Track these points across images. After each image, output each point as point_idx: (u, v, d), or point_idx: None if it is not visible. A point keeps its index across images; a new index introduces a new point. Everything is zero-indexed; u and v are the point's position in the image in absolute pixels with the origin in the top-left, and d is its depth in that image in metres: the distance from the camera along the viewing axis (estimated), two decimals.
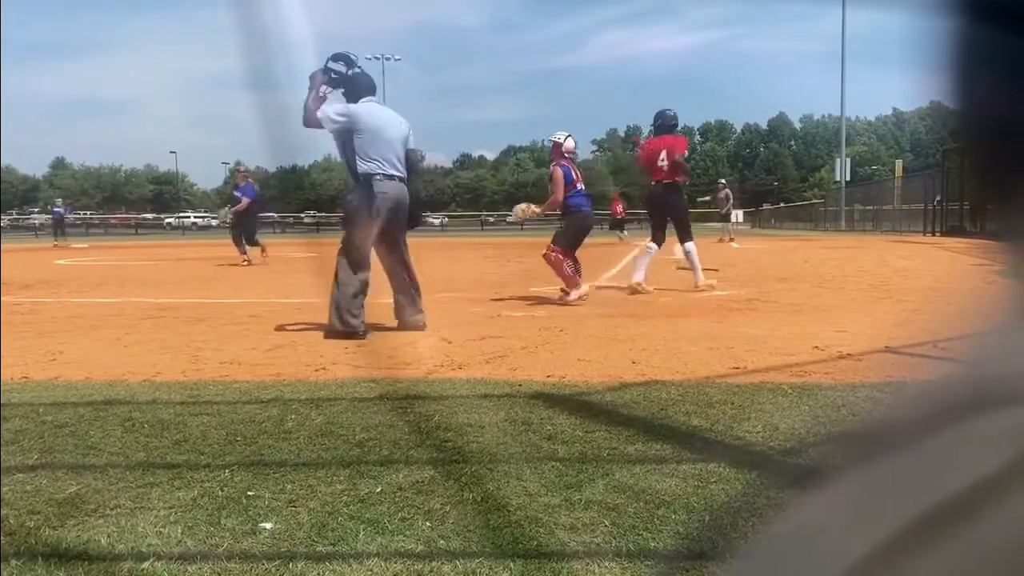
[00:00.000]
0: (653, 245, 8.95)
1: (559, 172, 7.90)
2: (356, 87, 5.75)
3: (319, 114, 5.55)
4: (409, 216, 5.80)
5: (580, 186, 8.05)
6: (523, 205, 8.93)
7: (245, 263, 14.12)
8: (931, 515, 0.48)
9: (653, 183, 8.90)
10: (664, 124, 9.14)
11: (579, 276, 7.82)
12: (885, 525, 0.50)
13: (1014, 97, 0.52)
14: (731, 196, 26.90)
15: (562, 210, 8.09)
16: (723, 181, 28.55)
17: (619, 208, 26.85)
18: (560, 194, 7.88)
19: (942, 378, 0.48)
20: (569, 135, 8.22)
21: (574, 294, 7.46)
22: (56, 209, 31.59)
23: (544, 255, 7.98)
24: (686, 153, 9.07)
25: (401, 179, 5.65)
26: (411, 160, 5.79)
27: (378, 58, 60.56)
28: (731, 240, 24.05)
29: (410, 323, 5.70)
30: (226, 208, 15.65)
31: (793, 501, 0.47)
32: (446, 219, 64.55)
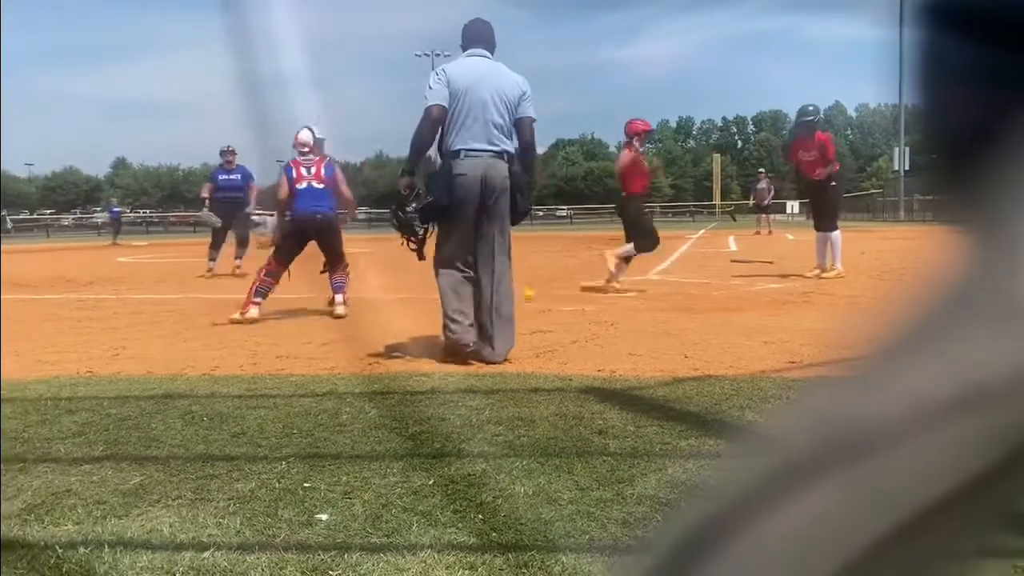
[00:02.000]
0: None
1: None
2: (464, 40, 4.57)
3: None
4: (511, 206, 4.43)
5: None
6: None
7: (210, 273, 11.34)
8: (908, 523, 0.47)
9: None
10: (803, 120, 9.13)
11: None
12: (867, 531, 0.49)
13: (975, 100, 0.51)
14: (771, 187, 26.09)
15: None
16: (762, 171, 27.67)
17: (765, 193, 25.46)
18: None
19: (924, 378, 0.48)
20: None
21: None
22: (114, 210, 32.28)
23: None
24: (831, 149, 9.01)
25: (495, 155, 4.30)
26: (520, 131, 4.43)
27: (427, 54, 60.76)
28: (769, 232, 23.37)
29: (486, 352, 4.35)
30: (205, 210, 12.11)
31: (773, 500, 0.46)
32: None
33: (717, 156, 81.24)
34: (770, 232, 23.51)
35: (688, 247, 17.60)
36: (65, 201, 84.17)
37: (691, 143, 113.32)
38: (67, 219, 64.37)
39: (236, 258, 11.22)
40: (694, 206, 68.92)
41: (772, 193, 26.16)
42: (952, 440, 0.43)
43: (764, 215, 25.20)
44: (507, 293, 4.43)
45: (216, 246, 11.52)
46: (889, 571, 0.45)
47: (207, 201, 11.84)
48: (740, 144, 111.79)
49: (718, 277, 9.49)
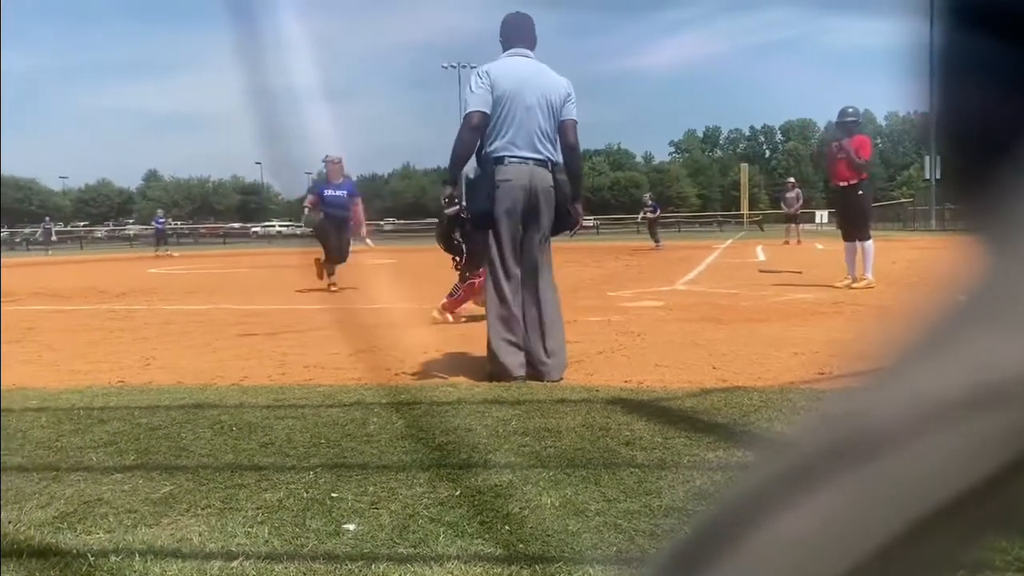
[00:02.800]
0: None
1: None
2: (504, 36, 4.27)
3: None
4: (561, 217, 4.22)
5: None
6: None
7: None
8: (922, 522, 0.47)
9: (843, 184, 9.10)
10: (843, 122, 8.99)
11: None
12: (876, 532, 0.49)
13: (995, 99, 0.50)
14: (801, 196, 25.74)
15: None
16: (792, 180, 27.34)
17: (794, 202, 24.84)
18: None
19: (932, 378, 0.47)
20: None
21: None
22: (159, 220, 32.37)
23: None
24: (867, 152, 8.91)
25: (539, 162, 4.07)
26: (564, 134, 4.17)
27: (453, 66, 61.12)
28: (798, 242, 23.11)
29: (539, 370, 4.12)
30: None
31: (781, 502, 0.46)
32: None
33: (745, 166, 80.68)
34: (799, 242, 23.26)
35: (715, 257, 17.50)
36: (98, 213, 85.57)
37: (718, 152, 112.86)
38: (100, 231, 65.44)
39: (330, 274, 10.14)
40: (721, 216, 68.54)
41: (801, 202, 25.81)
42: (964, 440, 0.43)
43: (794, 225, 24.89)
44: (556, 310, 4.23)
45: (332, 260, 10.34)
46: (896, 573, 0.45)
47: (307, 210, 10.59)
48: (768, 154, 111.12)
49: (746, 287, 9.41)
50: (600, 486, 2.41)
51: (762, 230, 26.31)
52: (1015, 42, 0.49)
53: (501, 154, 4.04)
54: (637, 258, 17.90)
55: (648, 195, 26.46)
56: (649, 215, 24.54)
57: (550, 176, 4.12)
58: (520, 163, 4.04)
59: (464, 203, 4.24)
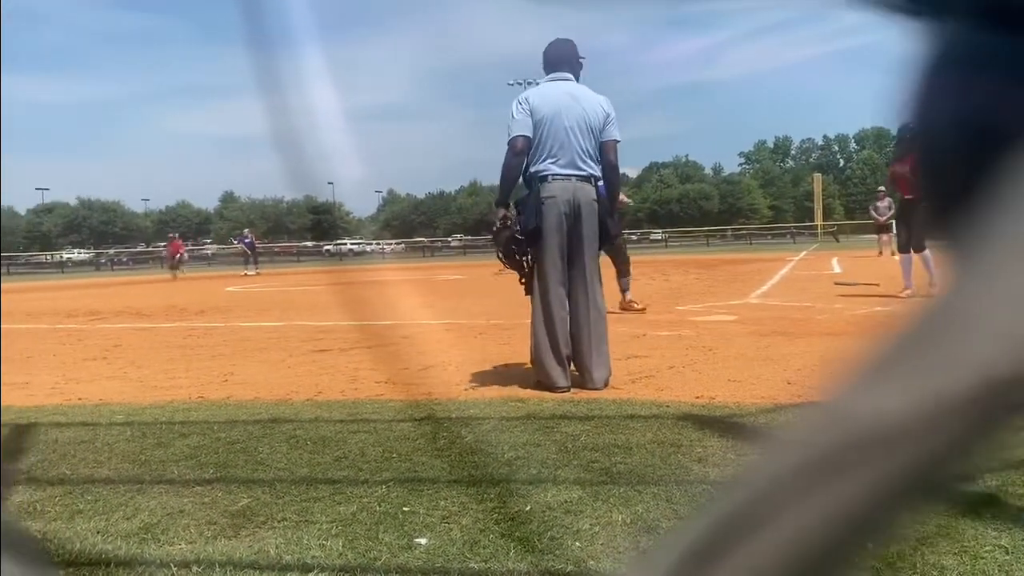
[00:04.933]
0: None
1: None
2: (547, 62, 4.53)
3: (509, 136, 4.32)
4: (601, 230, 4.39)
5: None
6: None
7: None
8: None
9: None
10: (900, 139, 8.92)
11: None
12: (886, 523, 0.51)
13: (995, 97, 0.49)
14: (893, 205, 24.87)
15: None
16: (883, 189, 26.49)
17: (885, 211, 24.05)
18: None
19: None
20: None
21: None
22: (245, 240, 31.98)
23: None
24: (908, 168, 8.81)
25: (582, 177, 4.28)
26: (603, 153, 4.36)
27: (519, 83, 61.46)
28: (893, 254, 22.38)
29: (586, 379, 4.30)
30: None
31: (795, 497, 0.48)
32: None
33: (818, 176, 78.84)
34: (894, 253, 22.56)
35: (789, 269, 17.13)
36: (178, 234, 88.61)
37: (790, 163, 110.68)
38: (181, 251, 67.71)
39: (624, 290, 8.80)
40: (794, 227, 67.11)
41: (892, 211, 24.95)
42: (967, 434, 0.45)
43: (884, 235, 24.00)
44: (602, 320, 4.37)
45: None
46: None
47: None
48: (842, 163, 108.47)
49: (821, 300, 9.18)
50: (672, 503, 2.38)
51: (837, 241, 25.54)
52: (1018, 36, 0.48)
53: (545, 173, 4.27)
54: (707, 271, 17.65)
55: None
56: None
57: (593, 190, 4.34)
58: (564, 179, 4.26)
59: (516, 222, 4.40)
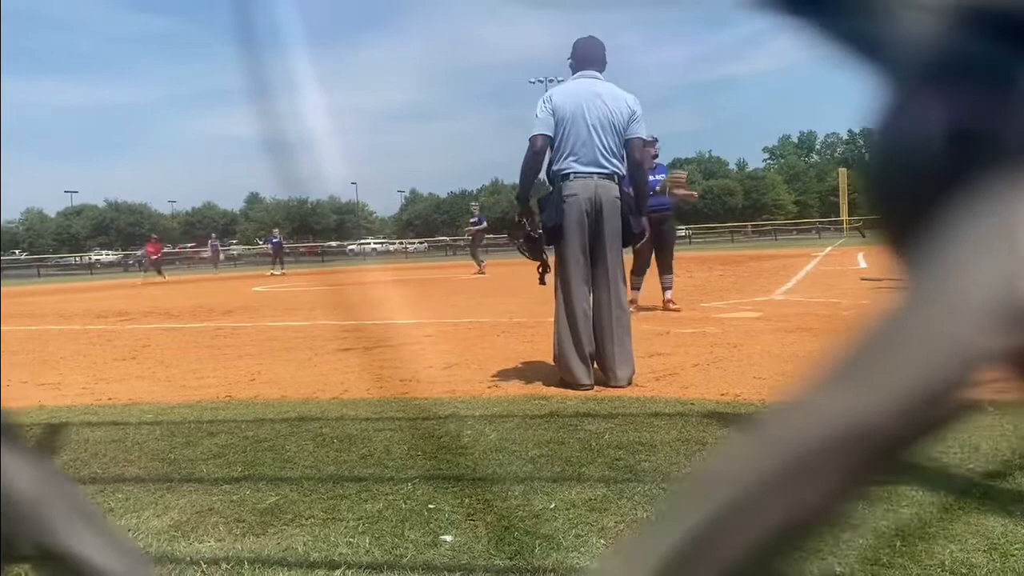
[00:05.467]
0: None
1: None
2: (574, 59, 4.51)
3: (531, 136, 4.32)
4: (624, 228, 4.35)
5: None
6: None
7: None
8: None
9: None
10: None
11: None
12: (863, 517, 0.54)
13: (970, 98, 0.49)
14: None
15: None
16: None
17: None
18: None
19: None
20: None
21: None
22: (273, 240, 31.86)
23: None
24: None
25: (605, 176, 4.25)
26: (629, 151, 4.34)
27: (541, 81, 61.40)
28: None
29: (609, 376, 4.30)
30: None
31: (775, 494, 0.50)
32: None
33: (843, 170, 78.01)
34: None
35: (814, 265, 16.98)
36: (204, 234, 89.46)
37: (815, 157, 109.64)
38: (206, 251, 68.41)
39: (666, 287, 8.62)
40: (819, 222, 66.47)
41: None
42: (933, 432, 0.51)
43: None
44: (625, 317, 4.38)
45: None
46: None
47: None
48: (868, 157, 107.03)
49: (848, 296, 9.10)
50: None
51: (864, 236, 25.26)
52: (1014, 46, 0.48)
53: (567, 171, 4.27)
54: (732, 268, 17.54)
55: (474, 204, 23.00)
56: (473, 229, 21.08)
57: (616, 188, 4.31)
58: (585, 177, 4.25)
59: (538, 219, 4.43)
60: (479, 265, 20.03)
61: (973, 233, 0.47)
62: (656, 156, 8.78)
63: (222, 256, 36.13)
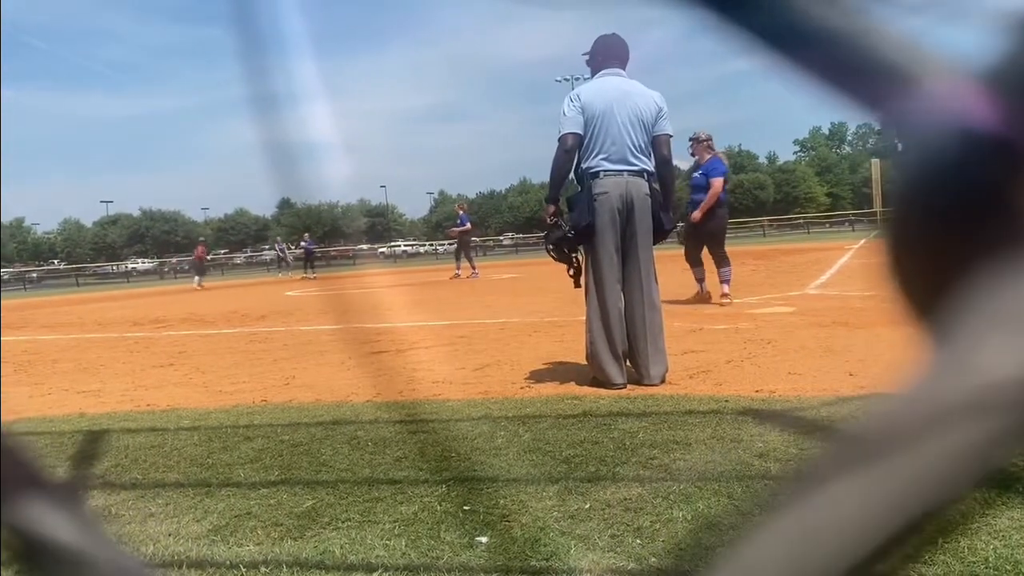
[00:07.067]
0: None
1: None
2: (598, 57, 4.47)
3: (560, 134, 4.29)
4: (654, 225, 4.35)
5: None
6: None
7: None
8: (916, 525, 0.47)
9: None
10: None
11: None
12: (875, 533, 0.49)
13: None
14: None
15: None
16: None
17: None
18: None
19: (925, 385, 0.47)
20: None
21: None
22: (305, 245, 32.05)
23: None
24: None
25: (633, 172, 4.26)
26: (657, 148, 4.34)
27: (567, 79, 61.28)
28: None
29: (642, 375, 4.30)
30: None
31: (783, 505, 0.47)
32: None
33: (876, 161, 76.85)
34: None
35: (848, 258, 16.75)
36: (236, 241, 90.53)
37: (846, 149, 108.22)
38: (239, 257, 69.28)
39: (724, 280, 8.48)
40: (853, 215, 65.57)
41: None
42: (966, 443, 0.44)
43: None
44: (657, 315, 4.36)
45: (697, 262, 8.81)
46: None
47: None
48: (902, 147, 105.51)
49: (883, 289, 8.94)
50: (733, 499, 2.36)
51: None
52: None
53: (596, 169, 4.27)
54: (764, 262, 17.36)
55: (459, 205, 21.64)
56: (455, 231, 19.97)
57: (646, 185, 4.32)
58: (616, 175, 4.26)
59: (568, 219, 4.41)
60: (458, 267, 19.59)
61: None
62: (712, 150, 8.88)
63: (290, 258, 36.92)
